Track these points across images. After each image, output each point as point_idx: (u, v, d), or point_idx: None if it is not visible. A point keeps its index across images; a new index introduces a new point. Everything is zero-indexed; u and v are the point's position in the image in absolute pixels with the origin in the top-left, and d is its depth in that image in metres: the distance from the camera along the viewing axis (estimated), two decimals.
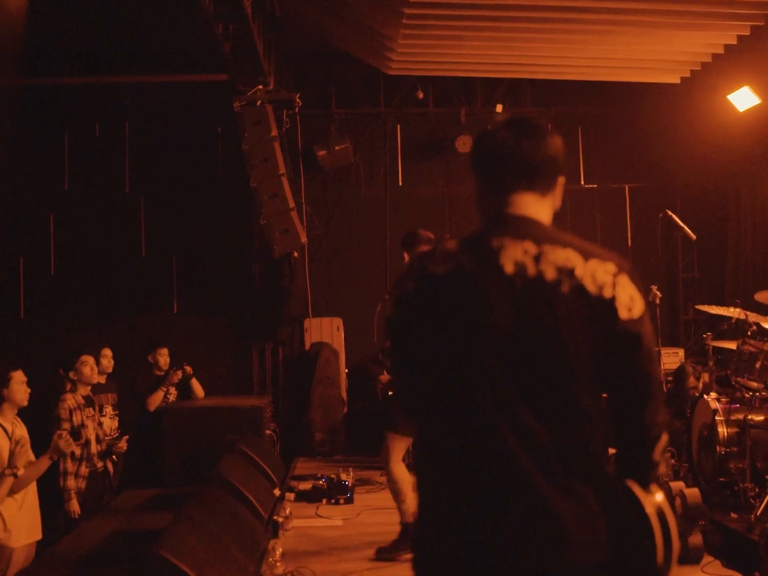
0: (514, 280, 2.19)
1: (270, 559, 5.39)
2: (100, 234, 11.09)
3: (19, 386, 5.78)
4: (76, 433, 6.54)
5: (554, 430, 2.14)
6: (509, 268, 2.20)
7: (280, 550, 5.45)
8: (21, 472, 5.44)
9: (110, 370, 7.94)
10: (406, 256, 6.32)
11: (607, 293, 2.18)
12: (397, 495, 6.24)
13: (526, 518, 2.12)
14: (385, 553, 6.09)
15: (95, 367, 7.11)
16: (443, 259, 2.28)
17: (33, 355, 8.27)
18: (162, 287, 11.19)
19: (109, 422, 7.64)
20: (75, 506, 6.56)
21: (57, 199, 11.17)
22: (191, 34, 9.12)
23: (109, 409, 7.69)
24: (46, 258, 11.07)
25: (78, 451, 6.54)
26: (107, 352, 7.97)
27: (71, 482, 6.52)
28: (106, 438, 7.34)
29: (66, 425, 6.52)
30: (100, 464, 7.00)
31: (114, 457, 7.49)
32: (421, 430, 2.37)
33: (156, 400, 8.47)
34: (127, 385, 8.50)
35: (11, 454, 5.47)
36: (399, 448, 6.23)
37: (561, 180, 2.42)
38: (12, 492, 5.52)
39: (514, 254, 2.22)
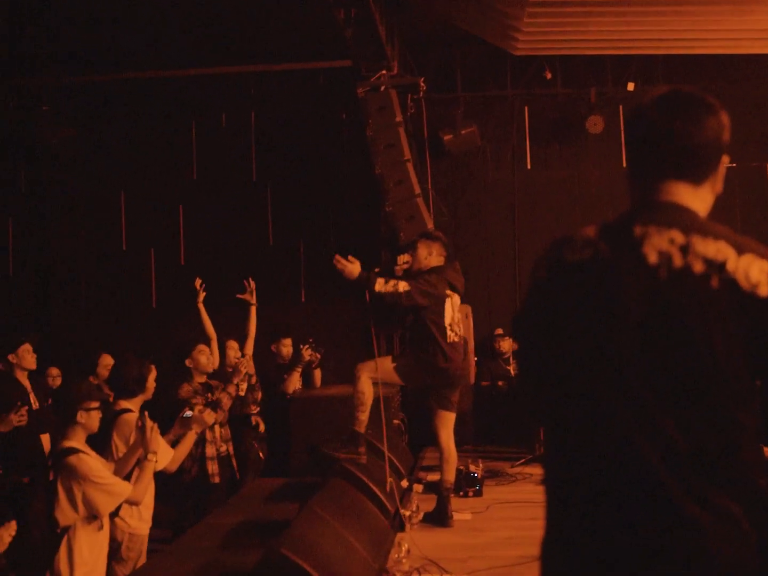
0: (657, 271, 1.99)
1: (396, 555, 5.27)
2: (228, 223, 11.21)
3: (153, 382, 5.94)
4: (213, 404, 6.58)
5: (698, 439, 1.94)
6: (653, 258, 2.01)
7: (407, 545, 5.32)
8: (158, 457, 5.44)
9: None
10: (420, 247, 6.97)
11: (763, 291, 1.95)
12: (360, 405, 6.62)
13: (662, 533, 1.93)
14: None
15: (210, 357, 7.15)
16: (580, 246, 2.11)
17: (163, 343, 8.37)
18: (290, 275, 11.24)
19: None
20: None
21: (186, 189, 11.34)
22: (313, 21, 9.09)
23: (243, 385, 7.74)
24: (176, 248, 11.25)
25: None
26: (233, 344, 8.00)
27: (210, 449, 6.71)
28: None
29: (188, 407, 6.51)
30: (223, 448, 6.99)
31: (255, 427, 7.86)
32: (549, 430, 2.21)
33: (293, 381, 8.53)
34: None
35: (147, 440, 5.46)
36: (369, 368, 6.70)
37: (724, 160, 2.20)
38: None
39: (659, 243, 2.02)
